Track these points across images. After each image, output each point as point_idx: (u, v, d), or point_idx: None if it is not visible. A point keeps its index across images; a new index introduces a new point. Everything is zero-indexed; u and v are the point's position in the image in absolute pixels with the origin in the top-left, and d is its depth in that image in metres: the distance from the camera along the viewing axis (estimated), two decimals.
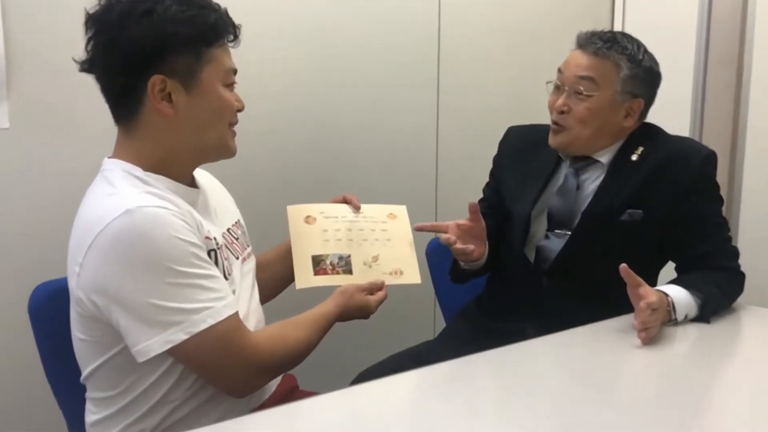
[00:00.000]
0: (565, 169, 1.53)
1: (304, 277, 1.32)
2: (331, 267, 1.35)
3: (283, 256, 1.39)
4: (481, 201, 1.66)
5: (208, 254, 1.07)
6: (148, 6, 1.03)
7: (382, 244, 1.40)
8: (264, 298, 1.40)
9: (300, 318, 1.19)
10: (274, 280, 1.41)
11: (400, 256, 1.39)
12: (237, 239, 1.24)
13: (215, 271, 1.07)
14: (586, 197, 1.48)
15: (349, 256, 1.37)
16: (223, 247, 1.15)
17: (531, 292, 1.50)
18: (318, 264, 1.34)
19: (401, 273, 1.38)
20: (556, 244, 1.48)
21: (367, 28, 1.95)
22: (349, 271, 1.35)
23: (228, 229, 1.23)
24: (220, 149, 1.15)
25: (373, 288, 1.30)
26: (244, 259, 1.23)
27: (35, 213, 1.54)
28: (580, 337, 1.25)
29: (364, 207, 1.43)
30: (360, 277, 1.34)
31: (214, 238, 1.12)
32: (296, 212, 1.39)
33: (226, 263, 1.13)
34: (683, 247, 1.45)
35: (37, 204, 1.54)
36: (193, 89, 1.08)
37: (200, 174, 1.23)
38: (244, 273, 1.22)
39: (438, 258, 1.78)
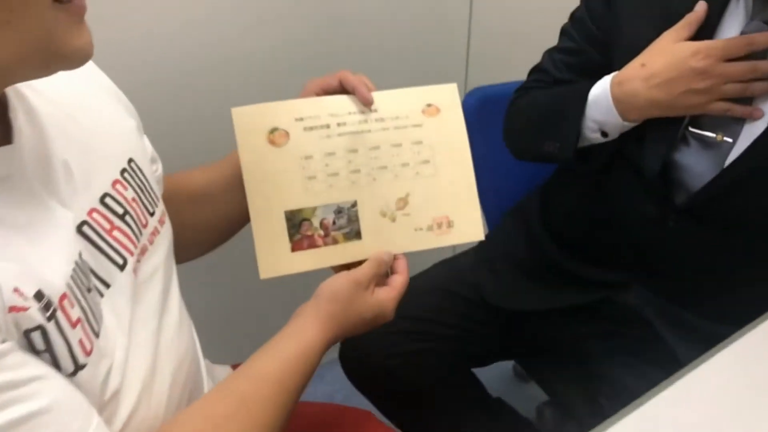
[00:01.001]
0: (740, 15, 0.80)
1: (272, 258, 0.71)
2: (322, 232, 0.72)
3: (232, 180, 0.77)
4: (543, 70, 0.98)
5: (26, 338, 0.46)
6: None
7: (415, 173, 0.75)
8: (204, 248, 0.81)
9: (253, 370, 0.61)
10: (218, 218, 0.81)
11: (449, 192, 0.76)
12: (126, 209, 0.61)
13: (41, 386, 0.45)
14: None
15: (354, 204, 0.73)
16: (77, 279, 0.51)
17: (645, 234, 0.90)
18: (298, 228, 0.71)
19: (450, 224, 0.76)
20: (701, 160, 0.83)
21: None
22: (357, 235, 0.73)
23: (104, 198, 0.59)
24: (47, 52, 0.46)
25: (382, 267, 0.71)
26: (143, 251, 0.62)
27: None
28: None
29: (379, 97, 0.74)
30: (375, 242, 0.73)
31: (42, 287, 0.47)
32: (250, 120, 0.71)
33: (86, 316, 0.51)
34: None
35: None
36: None
37: (28, 92, 0.55)
38: (143, 282, 0.61)
39: (488, 107, 1.13)
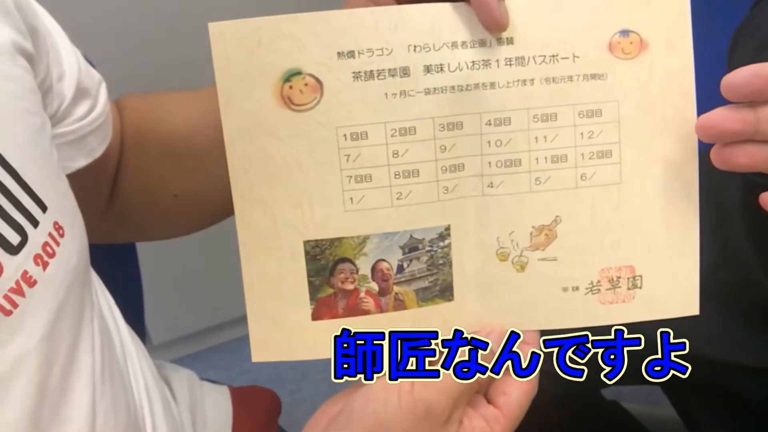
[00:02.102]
0: None
1: (276, 330, 0.36)
2: (376, 287, 0.36)
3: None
4: None
5: None
6: None
7: (578, 177, 0.36)
8: (198, 222, 0.49)
9: None
10: (212, 185, 0.45)
11: (643, 220, 0.37)
12: None
13: None
14: None
15: (446, 234, 0.36)
16: None
17: None
18: (329, 276, 0.36)
19: (636, 283, 0.37)
20: None
21: None
22: (444, 294, 0.37)
23: None
24: None
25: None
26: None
27: None
28: None
29: (520, 12, 0.34)
30: (480, 309, 0.37)
31: None
32: (243, 50, 0.34)
33: None
34: None
35: None
36: None
37: None
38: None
39: None
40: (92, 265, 0.38)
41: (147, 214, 0.45)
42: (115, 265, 0.59)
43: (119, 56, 0.93)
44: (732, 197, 0.65)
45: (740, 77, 0.30)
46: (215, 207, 0.46)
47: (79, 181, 0.38)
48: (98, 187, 0.43)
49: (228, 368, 1.28)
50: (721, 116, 0.31)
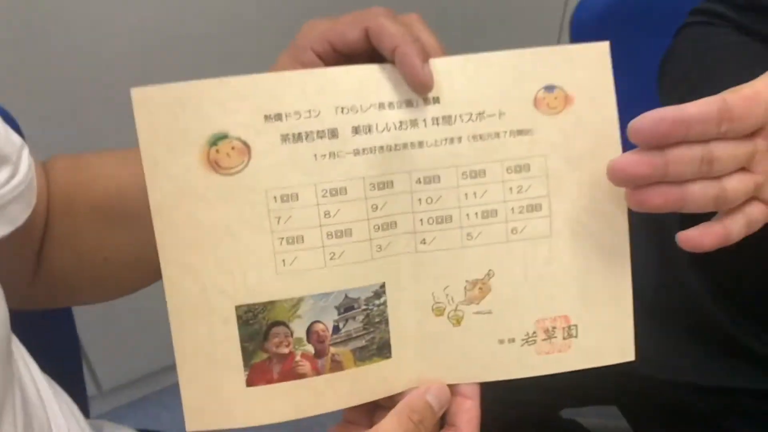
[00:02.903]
0: None
1: (210, 398, 0.35)
2: (312, 349, 0.36)
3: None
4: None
5: None
6: None
7: (509, 231, 0.37)
8: (136, 284, 0.47)
9: None
10: (146, 247, 0.44)
11: (576, 270, 0.37)
12: None
13: None
14: None
15: (382, 292, 0.36)
16: None
17: None
18: (262, 341, 0.35)
19: (571, 332, 0.38)
20: None
21: None
22: (381, 352, 0.37)
23: None
24: None
25: (426, 421, 0.35)
26: None
27: None
28: None
29: (446, 70, 0.35)
30: (418, 366, 0.37)
31: None
32: (168, 115, 0.33)
33: None
34: None
35: None
36: None
37: None
38: None
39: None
40: (19, 324, 0.37)
41: (76, 279, 0.43)
42: (44, 319, 0.57)
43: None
44: (671, 218, 0.67)
45: (645, 122, 0.30)
46: (147, 270, 0.44)
47: (1, 250, 0.37)
48: (24, 255, 0.41)
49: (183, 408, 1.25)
50: (629, 161, 0.31)
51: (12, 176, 0.37)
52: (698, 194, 0.32)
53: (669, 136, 0.31)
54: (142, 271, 0.44)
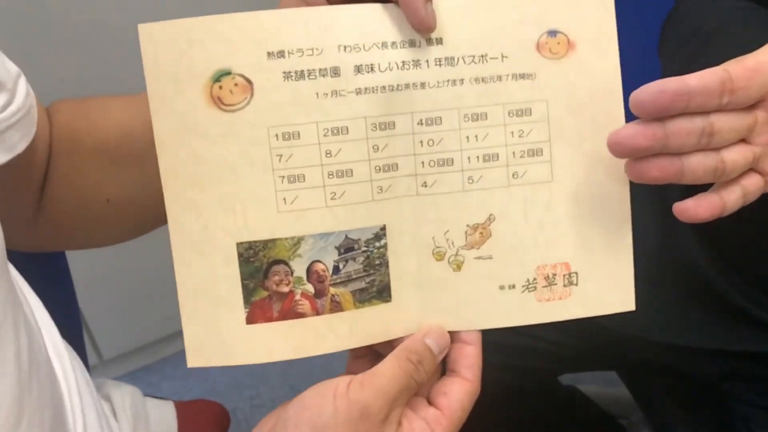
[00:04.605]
0: None
1: (210, 334, 0.36)
2: (312, 288, 0.36)
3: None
4: None
5: None
6: None
7: (510, 175, 0.37)
8: (138, 228, 0.47)
9: None
10: (150, 189, 0.44)
11: (577, 217, 0.37)
12: None
13: None
14: None
15: (382, 234, 0.36)
16: None
17: None
18: (262, 278, 0.36)
19: (571, 279, 0.38)
20: None
21: None
22: (381, 295, 0.37)
23: None
24: None
25: (426, 367, 0.35)
26: None
27: None
28: None
29: (448, 13, 0.35)
30: (418, 310, 0.37)
31: None
32: (173, 51, 0.34)
33: None
34: None
35: None
36: None
37: None
38: None
39: None
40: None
41: (78, 220, 0.44)
42: (47, 282, 0.58)
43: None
44: (673, 188, 0.67)
45: (646, 94, 0.30)
46: (148, 213, 0.45)
47: (2, 179, 0.37)
48: (25, 190, 0.42)
49: (184, 378, 1.26)
50: (629, 133, 0.31)
51: (9, 103, 0.36)
52: (697, 166, 0.32)
53: (670, 108, 0.31)
54: (143, 215, 0.45)
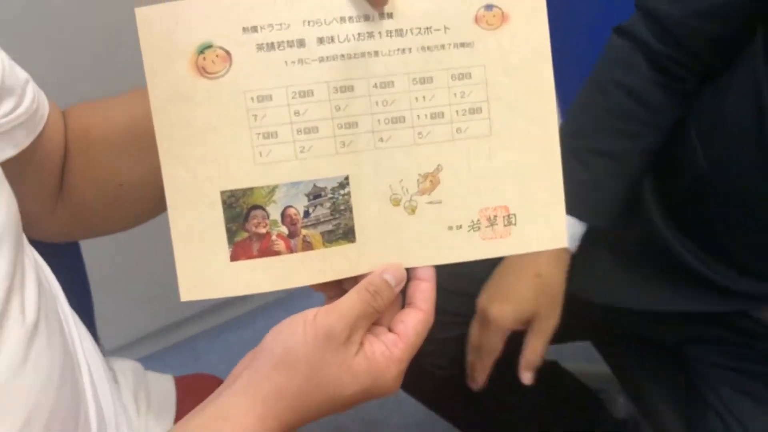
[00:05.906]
0: None
1: (199, 270, 0.42)
2: (285, 230, 0.42)
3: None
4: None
5: None
6: None
7: (454, 131, 0.43)
8: (149, 212, 0.53)
9: None
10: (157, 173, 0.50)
11: (513, 165, 0.43)
12: None
13: None
14: None
15: (346, 183, 0.42)
16: None
17: None
18: (243, 221, 0.42)
19: (510, 220, 0.44)
20: None
21: None
22: (346, 236, 0.43)
23: None
24: None
25: (383, 297, 0.41)
26: None
27: None
28: None
29: None
30: (378, 249, 0.43)
31: None
32: (164, 29, 0.40)
33: None
34: None
35: None
36: None
37: None
38: None
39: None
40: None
41: (95, 204, 0.49)
42: (62, 273, 0.63)
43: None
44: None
45: None
46: (157, 196, 0.51)
47: (20, 176, 0.43)
48: (44, 183, 0.48)
49: (183, 367, 1.31)
50: None
51: (17, 106, 0.43)
52: None
53: None
54: (151, 198, 0.50)
